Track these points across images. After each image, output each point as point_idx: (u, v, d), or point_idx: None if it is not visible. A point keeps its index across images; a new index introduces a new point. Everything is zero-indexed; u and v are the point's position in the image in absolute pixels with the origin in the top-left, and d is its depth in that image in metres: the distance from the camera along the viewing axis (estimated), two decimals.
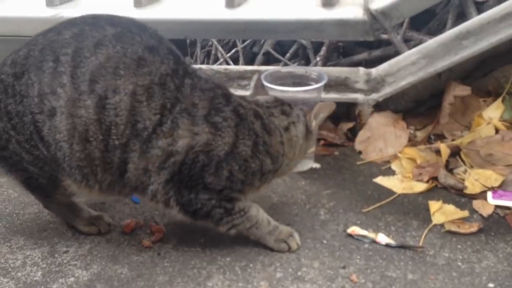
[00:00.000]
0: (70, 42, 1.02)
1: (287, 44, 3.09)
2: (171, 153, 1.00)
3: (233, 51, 3.21)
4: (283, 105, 1.13)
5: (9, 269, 1.08)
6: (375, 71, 1.57)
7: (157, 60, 1.01)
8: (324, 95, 1.38)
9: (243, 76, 1.67)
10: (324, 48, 2.77)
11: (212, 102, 1.03)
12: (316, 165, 1.42)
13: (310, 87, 1.32)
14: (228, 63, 3.24)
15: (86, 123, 0.99)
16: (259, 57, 3.13)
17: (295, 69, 1.42)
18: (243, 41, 3.18)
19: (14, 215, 1.23)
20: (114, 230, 1.19)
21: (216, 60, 3.34)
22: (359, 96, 1.49)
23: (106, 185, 1.05)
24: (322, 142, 1.50)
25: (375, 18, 1.35)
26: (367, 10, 1.35)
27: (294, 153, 1.12)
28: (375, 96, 1.48)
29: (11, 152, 1.05)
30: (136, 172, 1.02)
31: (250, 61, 3.26)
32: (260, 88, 1.23)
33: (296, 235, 1.12)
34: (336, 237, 1.16)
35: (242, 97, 1.11)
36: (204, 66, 1.79)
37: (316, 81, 1.35)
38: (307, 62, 2.91)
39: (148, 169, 1.02)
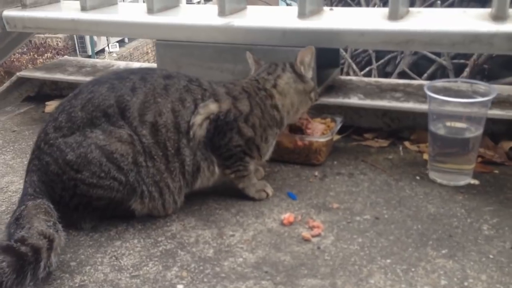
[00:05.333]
0: (109, 95, 1.23)
1: (423, 64, 3.02)
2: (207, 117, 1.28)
3: (367, 69, 3.22)
4: (270, 67, 1.41)
5: (185, 244, 1.19)
6: None
7: (176, 80, 1.29)
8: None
9: (395, 88, 1.68)
10: (467, 69, 2.67)
11: (226, 87, 1.35)
12: (475, 181, 1.38)
13: (477, 100, 1.29)
14: None
15: (148, 147, 1.22)
16: (394, 77, 3.10)
17: (460, 83, 1.40)
18: (377, 59, 3.18)
19: (188, 199, 1.35)
20: (274, 221, 1.27)
21: None
22: None
23: (177, 193, 1.28)
24: (480, 159, 1.45)
25: None
26: None
27: (291, 99, 1.39)
28: None
29: (80, 196, 1.20)
30: (190, 162, 1.27)
31: None
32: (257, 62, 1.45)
33: (269, 185, 1.38)
34: (503, 253, 1.11)
35: (240, 81, 1.40)
36: (354, 78, 1.83)
37: (483, 95, 1.32)
38: None
39: (193, 150, 1.27)
